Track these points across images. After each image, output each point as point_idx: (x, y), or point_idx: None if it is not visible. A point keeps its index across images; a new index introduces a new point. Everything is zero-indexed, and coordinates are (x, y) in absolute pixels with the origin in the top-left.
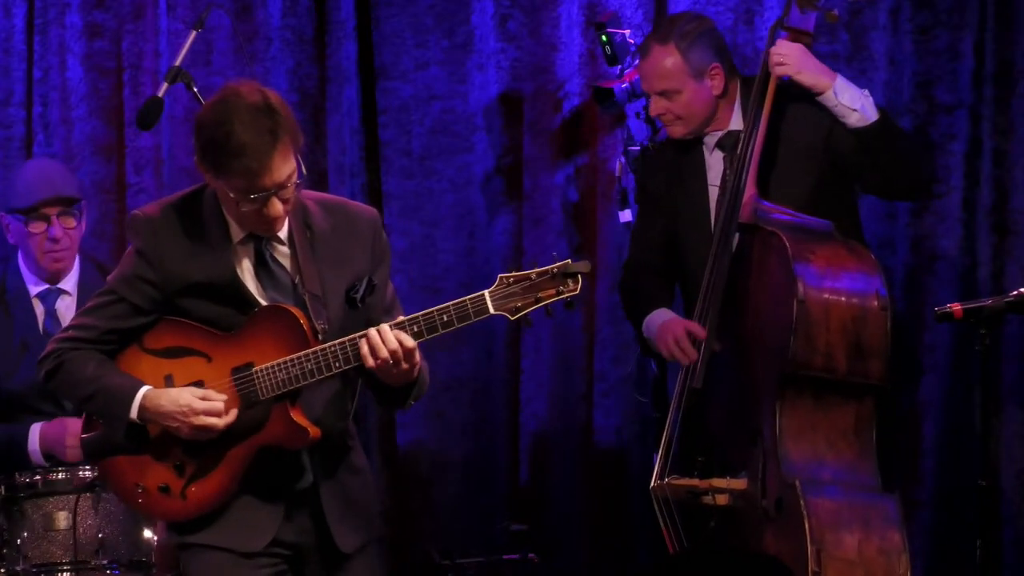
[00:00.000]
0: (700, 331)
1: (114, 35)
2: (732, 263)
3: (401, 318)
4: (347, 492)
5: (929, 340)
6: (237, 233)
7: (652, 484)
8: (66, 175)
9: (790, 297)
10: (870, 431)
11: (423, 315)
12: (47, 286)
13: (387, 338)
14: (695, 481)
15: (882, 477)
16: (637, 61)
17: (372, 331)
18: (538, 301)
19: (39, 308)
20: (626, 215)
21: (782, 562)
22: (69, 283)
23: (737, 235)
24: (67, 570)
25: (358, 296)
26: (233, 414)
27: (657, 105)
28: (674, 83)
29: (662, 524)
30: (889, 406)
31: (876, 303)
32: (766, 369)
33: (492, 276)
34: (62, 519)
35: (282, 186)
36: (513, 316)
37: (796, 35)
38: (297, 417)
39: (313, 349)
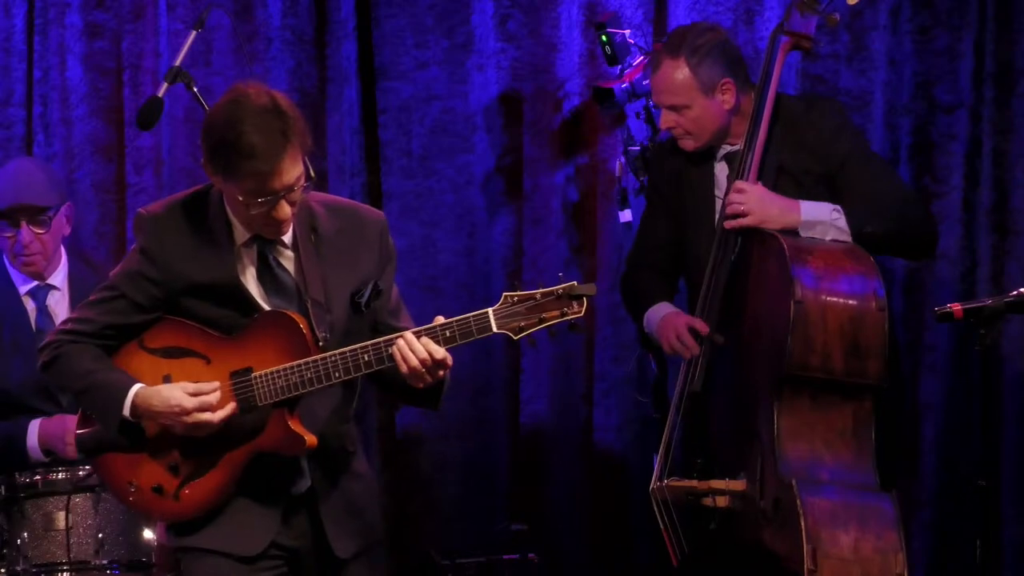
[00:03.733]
0: (703, 325)
1: (114, 35)
2: (732, 267)
3: (402, 333)
4: (347, 497)
5: (929, 340)
6: (241, 235)
7: (651, 486)
8: (39, 181)
9: (787, 298)
10: (868, 431)
11: (425, 329)
12: (36, 283)
13: (416, 348)
14: (694, 483)
15: (882, 476)
16: (636, 61)
17: (400, 341)
18: (542, 322)
19: (30, 305)
20: (626, 215)
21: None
22: (58, 279)
23: (739, 240)
24: (67, 570)
25: (363, 301)
26: (230, 407)
27: (667, 119)
28: (683, 98)
29: (662, 526)
30: (889, 405)
31: (874, 304)
32: (764, 370)
33: (492, 276)
34: (62, 519)
35: (291, 188)
36: (516, 336)
37: (797, 39)
38: (294, 425)
39: (314, 358)
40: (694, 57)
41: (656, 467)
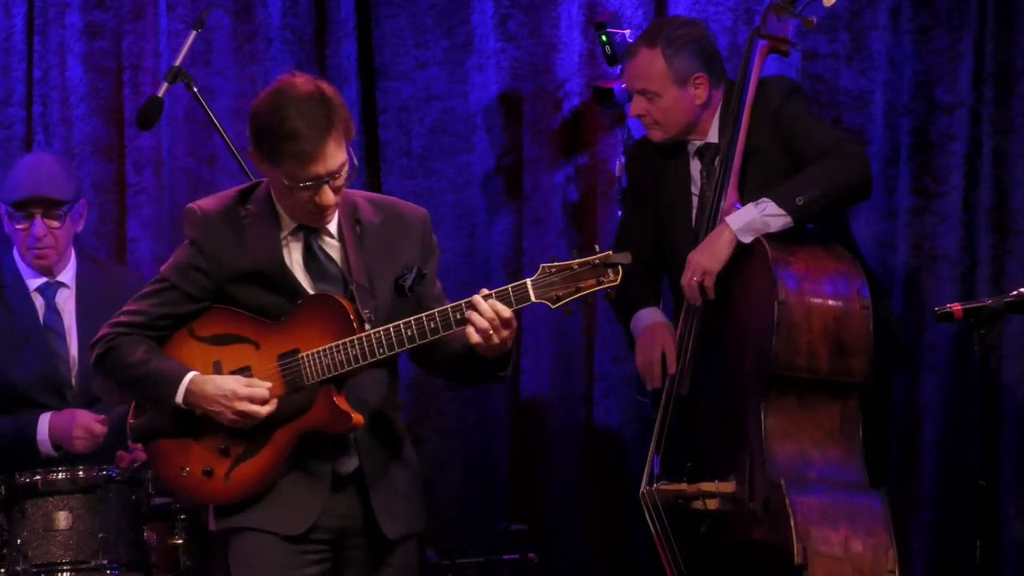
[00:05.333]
0: (672, 365)
1: (114, 35)
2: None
3: (445, 306)
4: (395, 481)
5: (929, 340)
6: (287, 225)
7: (641, 490)
8: (59, 175)
9: (771, 299)
10: (856, 429)
11: (464, 302)
12: (45, 279)
13: (483, 308)
14: (683, 486)
15: (873, 474)
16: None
17: (470, 310)
18: (579, 291)
19: (39, 301)
20: None
21: None
22: (67, 276)
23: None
24: (67, 570)
25: (407, 284)
26: (275, 404)
27: (638, 106)
28: (655, 86)
29: (653, 532)
30: (880, 403)
31: (857, 303)
32: (751, 371)
33: (492, 276)
34: (62, 519)
35: (334, 174)
36: (554, 305)
37: (775, 43)
38: (341, 403)
39: (359, 335)
40: (670, 48)
41: (645, 471)
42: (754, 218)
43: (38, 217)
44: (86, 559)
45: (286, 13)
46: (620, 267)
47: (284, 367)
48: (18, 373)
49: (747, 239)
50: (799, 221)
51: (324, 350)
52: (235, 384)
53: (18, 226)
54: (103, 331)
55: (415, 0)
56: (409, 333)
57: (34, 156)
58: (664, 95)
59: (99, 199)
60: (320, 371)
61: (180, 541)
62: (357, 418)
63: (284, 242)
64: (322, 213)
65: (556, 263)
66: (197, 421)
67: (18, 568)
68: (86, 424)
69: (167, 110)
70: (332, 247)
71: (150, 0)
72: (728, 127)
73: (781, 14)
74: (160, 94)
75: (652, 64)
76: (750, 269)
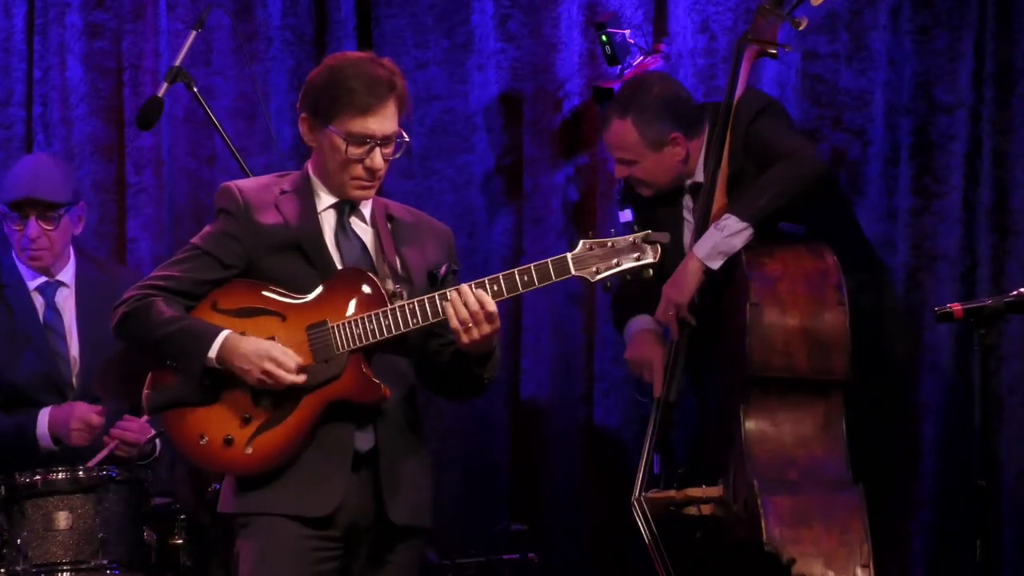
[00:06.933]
0: (658, 386)
1: (114, 35)
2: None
3: (483, 279)
4: (405, 467)
5: (929, 340)
6: (324, 201)
7: (632, 498)
8: (56, 177)
9: (744, 302)
10: (839, 426)
11: (504, 275)
12: (45, 279)
13: (468, 298)
14: (672, 493)
15: (875, 472)
16: (636, 61)
17: (452, 290)
18: (618, 265)
19: (39, 300)
20: (626, 215)
21: None
22: (67, 275)
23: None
24: (67, 570)
25: (440, 274)
26: (302, 378)
27: (620, 170)
28: (631, 155)
29: (646, 540)
30: (887, 401)
31: (833, 299)
32: (734, 375)
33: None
34: (62, 519)
35: (387, 139)
36: (593, 279)
37: (763, 46)
38: (371, 373)
39: (391, 307)
40: (641, 117)
41: (637, 479)
42: (717, 241)
43: (32, 218)
44: (86, 559)
45: (286, 13)
46: (659, 245)
47: (312, 337)
48: (19, 373)
49: (715, 264)
50: (756, 226)
51: (355, 320)
52: (270, 346)
53: (13, 227)
54: (130, 292)
55: (415, 0)
56: (443, 303)
57: (33, 157)
58: (642, 161)
59: (99, 199)
60: (351, 340)
61: (180, 541)
62: (387, 390)
63: (319, 217)
64: (369, 180)
65: (595, 239)
66: (220, 388)
67: (18, 568)
68: (83, 416)
69: (167, 110)
70: (364, 231)
71: (150, 0)
72: (712, 154)
73: (768, 17)
74: (160, 94)
75: (625, 135)
76: (733, 275)
